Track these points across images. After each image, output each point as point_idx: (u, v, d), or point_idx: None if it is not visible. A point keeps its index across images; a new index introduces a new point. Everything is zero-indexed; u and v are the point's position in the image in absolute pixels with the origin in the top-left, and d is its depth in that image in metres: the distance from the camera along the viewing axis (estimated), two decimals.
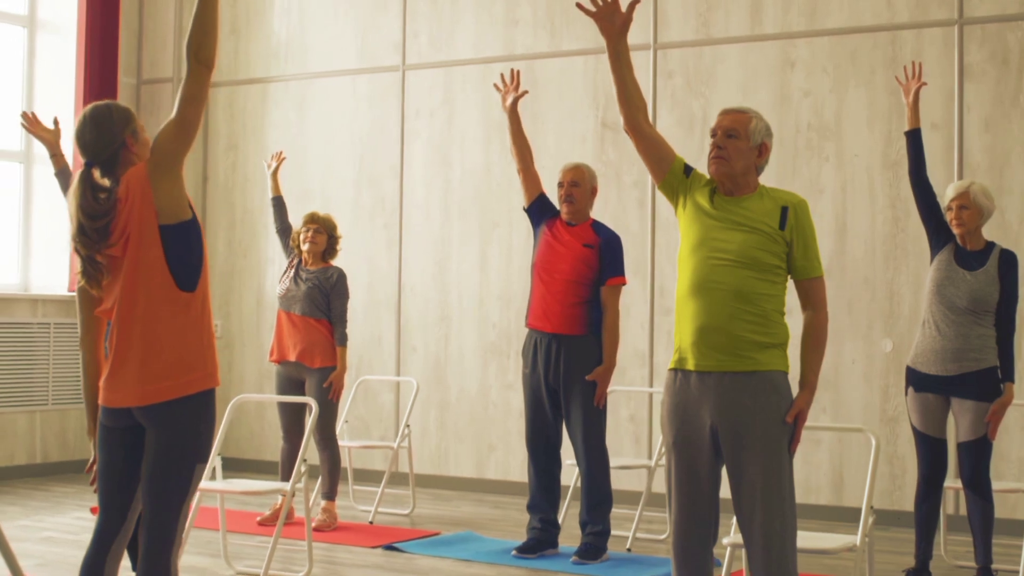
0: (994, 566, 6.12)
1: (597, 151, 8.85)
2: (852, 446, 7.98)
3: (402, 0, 9.68)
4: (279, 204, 7.91)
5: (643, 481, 7.51)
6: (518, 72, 6.89)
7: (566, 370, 6.61)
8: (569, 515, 7.20)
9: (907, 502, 7.48)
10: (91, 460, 4.15)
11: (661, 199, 8.44)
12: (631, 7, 4.37)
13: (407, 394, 9.02)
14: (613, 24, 4.38)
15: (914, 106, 6.20)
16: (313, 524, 7.38)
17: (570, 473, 7.02)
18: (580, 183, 6.73)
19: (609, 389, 6.95)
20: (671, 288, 8.04)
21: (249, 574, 6.14)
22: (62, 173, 5.76)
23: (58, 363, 9.54)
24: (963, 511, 6.67)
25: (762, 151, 4.33)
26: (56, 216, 9.47)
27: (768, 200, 4.28)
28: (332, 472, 7.53)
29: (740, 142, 4.28)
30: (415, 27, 9.66)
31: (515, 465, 8.93)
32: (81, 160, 3.93)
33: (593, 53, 8.78)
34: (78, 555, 5.57)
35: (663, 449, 4.73)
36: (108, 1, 9.80)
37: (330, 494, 7.53)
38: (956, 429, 5.99)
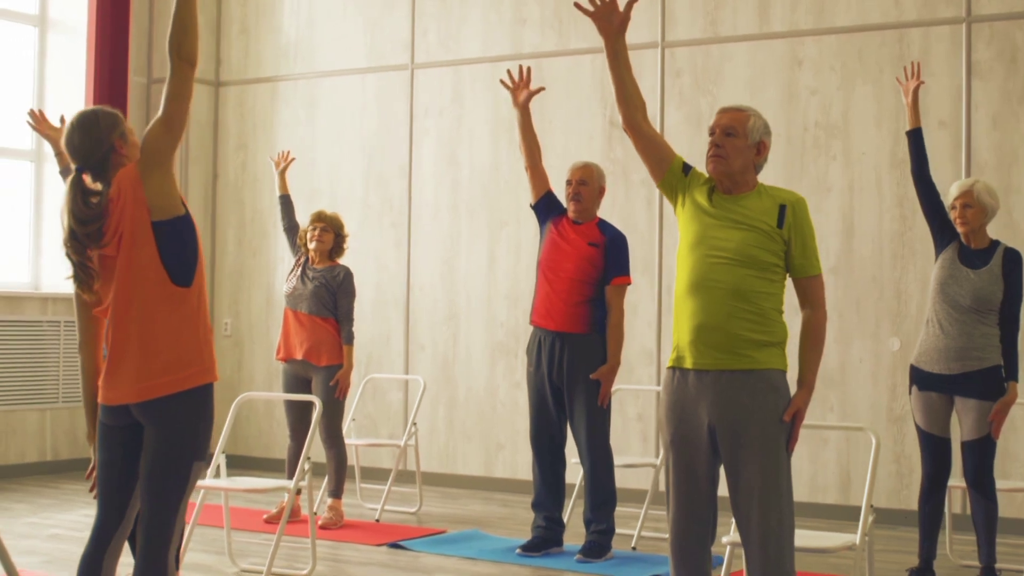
0: (999, 565, 6.11)
1: (604, 150, 8.84)
2: (859, 445, 7.96)
3: None
4: (286, 202, 7.93)
5: (649, 479, 7.51)
6: (529, 69, 6.87)
7: (570, 368, 6.61)
8: (574, 513, 7.20)
9: (914, 501, 7.46)
10: (91, 466, 4.15)
11: None
12: (629, 6, 4.37)
13: (415, 392, 9.02)
14: (611, 23, 4.38)
15: (914, 105, 6.18)
16: (319, 522, 7.42)
17: (575, 471, 7.02)
18: (588, 182, 6.73)
19: (616, 387, 6.97)
20: None
21: (253, 571, 6.16)
22: (66, 171, 5.78)
23: (68, 361, 9.57)
24: (969, 510, 6.64)
25: (760, 149, 4.33)
26: None
27: (766, 198, 4.28)
28: (338, 470, 7.54)
29: (738, 140, 4.28)
30: (423, 26, 9.67)
31: (523, 464, 8.93)
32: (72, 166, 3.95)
33: (601, 52, 8.71)
34: None
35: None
36: (118, 0, 9.82)
37: (336, 492, 7.54)
38: (960, 428, 5.98)
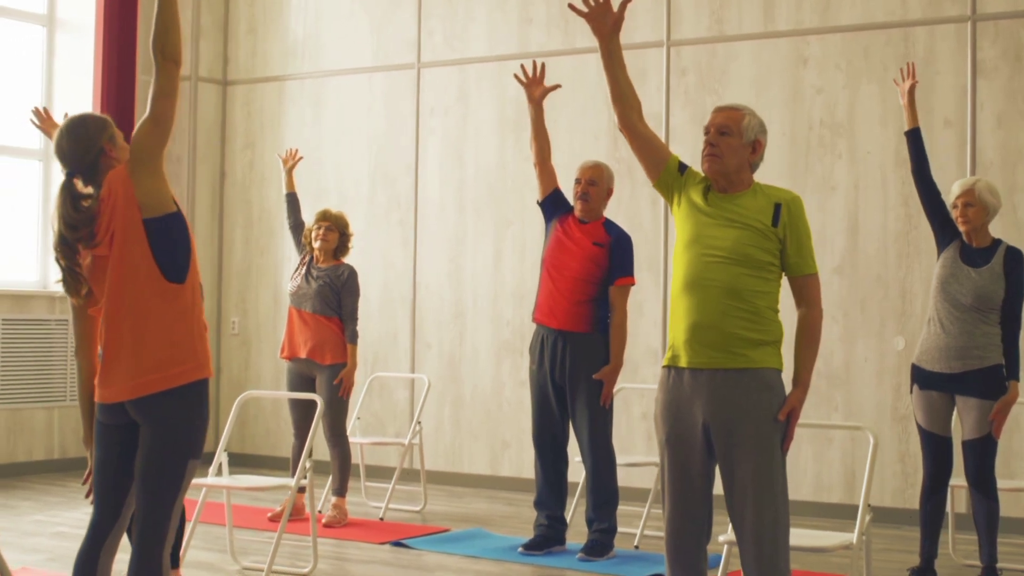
0: (1001, 565, 6.10)
1: (610, 149, 8.84)
2: (864, 444, 7.94)
3: None
4: (292, 200, 7.94)
5: (653, 478, 7.50)
6: (543, 65, 6.85)
7: (572, 367, 6.61)
8: (577, 512, 7.20)
9: (918, 500, 7.44)
10: (87, 471, 4.17)
11: None
12: (622, 7, 4.37)
13: (421, 391, 9.03)
14: (605, 24, 4.39)
15: (910, 105, 6.18)
16: (324, 520, 7.44)
17: (578, 470, 7.02)
18: (598, 182, 6.72)
19: (621, 386, 6.96)
20: None
21: (255, 569, 6.17)
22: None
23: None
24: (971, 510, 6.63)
25: (756, 148, 4.33)
26: None
27: (761, 197, 4.28)
28: (343, 468, 7.56)
29: (733, 139, 4.28)
30: (430, 25, 9.68)
31: (529, 462, 8.92)
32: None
33: None
34: None
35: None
36: (126, 0, 9.84)
37: (341, 490, 7.56)
38: (961, 427, 5.97)
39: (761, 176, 8.14)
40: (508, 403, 9.18)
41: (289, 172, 7.99)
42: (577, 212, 6.74)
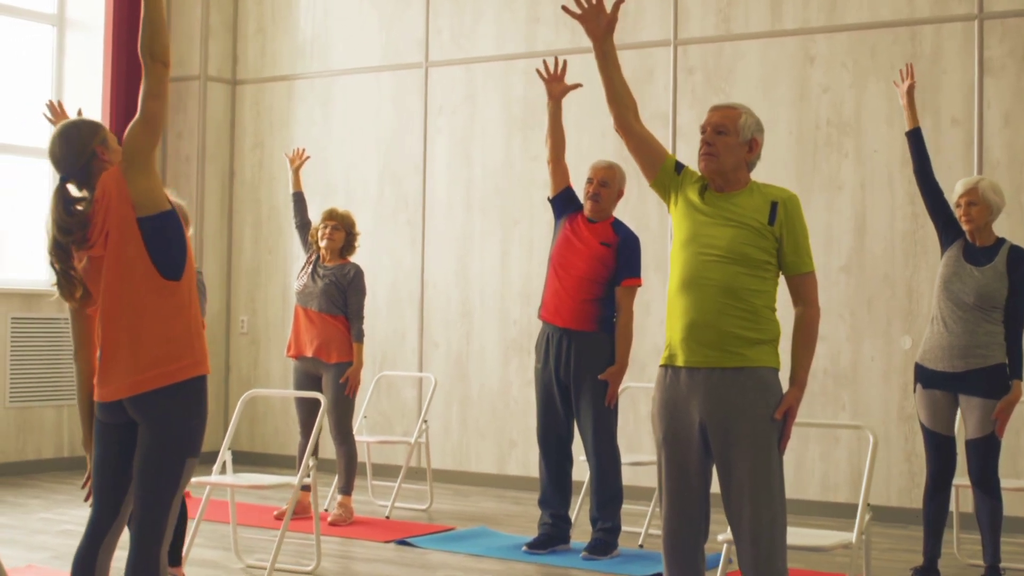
0: (1005, 565, 6.09)
1: (618, 147, 8.80)
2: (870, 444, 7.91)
3: None
4: (299, 199, 7.96)
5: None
6: (565, 62, 6.82)
7: (576, 366, 6.61)
8: (582, 511, 7.21)
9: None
10: (86, 474, 4.18)
11: None
12: (615, 7, 4.38)
13: (429, 390, 9.04)
14: (599, 25, 4.38)
15: (910, 106, 6.17)
16: (329, 519, 7.46)
17: (583, 469, 7.02)
18: (609, 184, 6.71)
19: (627, 385, 6.96)
20: None
21: (259, 567, 6.19)
22: None
23: None
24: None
25: (752, 147, 4.33)
26: None
27: (758, 196, 4.28)
28: (348, 467, 7.57)
29: (729, 138, 4.28)
30: (438, 24, 9.69)
31: (536, 461, 8.91)
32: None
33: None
34: None
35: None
36: None
37: (346, 489, 7.57)
38: (964, 426, 5.96)
39: (768, 175, 8.12)
40: (515, 402, 9.18)
41: (296, 171, 8.01)
42: (586, 211, 6.74)
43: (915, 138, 6.11)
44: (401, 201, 9.80)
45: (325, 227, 7.62)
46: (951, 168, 7.65)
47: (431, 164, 9.68)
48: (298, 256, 10.05)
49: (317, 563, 6.19)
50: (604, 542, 6.60)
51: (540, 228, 9.06)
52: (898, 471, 7.87)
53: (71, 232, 3.89)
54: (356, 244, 7.76)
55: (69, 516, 7.66)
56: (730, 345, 4.16)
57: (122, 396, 3.92)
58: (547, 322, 6.75)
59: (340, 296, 7.52)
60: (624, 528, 6.85)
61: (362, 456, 8.44)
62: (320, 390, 7.50)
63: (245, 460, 10.01)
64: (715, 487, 4.31)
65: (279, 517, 7.51)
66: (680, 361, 4.23)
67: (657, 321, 8.63)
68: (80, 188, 3.96)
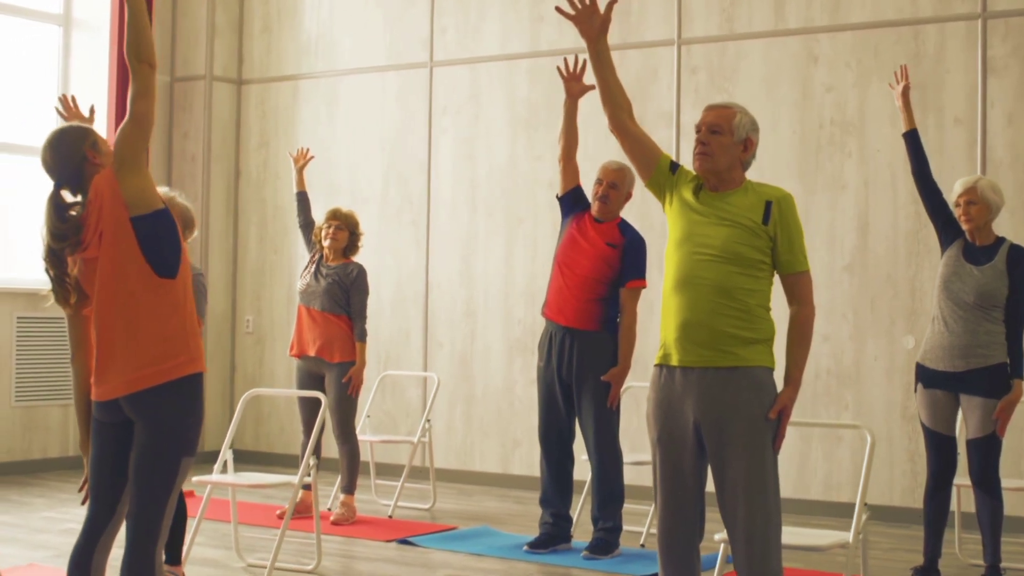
0: (1006, 565, 6.08)
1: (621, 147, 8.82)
2: (875, 443, 7.90)
3: None
4: (303, 199, 7.96)
5: None
6: (585, 61, 6.75)
7: (579, 365, 6.61)
8: (584, 510, 7.21)
9: None
10: (83, 478, 4.20)
11: None
12: (609, 8, 4.38)
13: (432, 389, 9.05)
14: (592, 26, 4.40)
15: (906, 107, 6.17)
16: (332, 518, 7.47)
17: (585, 468, 7.02)
18: (619, 186, 6.70)
19: (630, 385, 6.96)
20: None
21: (260, 566, 6.20)
22: None
23: None
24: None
25: (747, 146, 4.33)
26: None
27: (752, 195, 4.28)
28: (351, 466, 7.58)
29: (724, 138, 4.28)
30: (442, 23, 9.70)
31: (539, 461, 8.93)
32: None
33: (617, 49, 8.67)
34: None
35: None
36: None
37: (349, 488, 7.58)
38: (965, 426, 5.95)
39: (771, 174, 8.15)
40: (519, 401, 9.19)
41: (300, 171, 8.01)
42: (594, 211, 6.73)
43: (912, 139, 6.11)
44: (406, 201, 9.81)
45: (328, 227, 7.63)
46: (954, 168, 7.64)
47: (435, 164, 9.69)
48: (303, 256, 10.06)
49: (318, 562, 6.20)
50: (605, 541, 6.61)
51: (544, 228, 9.06)
52: (901, 471, 7.87)
53: (65, 238, 3.93)
54: (360, 244, 7.77)
55: (72, 515, 7.68)
56: (724, 344, 4.16)
57: (118, 395, 3.94)
58: (551, 320, 6.76)
59: (343, 295, 7.54)
60: (626, 527, 6.85)
61: (365, 455, 8.45)
62: (323, 389, 7.51)
63: (250, 459, 10.04)
64: (711, 486, 4.31)
65: (282, 516, 7.52)
66: (674, 361, 4.23)
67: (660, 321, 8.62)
68: (74, 193, 4.00)
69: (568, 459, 6.81)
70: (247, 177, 10.60)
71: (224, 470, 6.17)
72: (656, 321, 8.50)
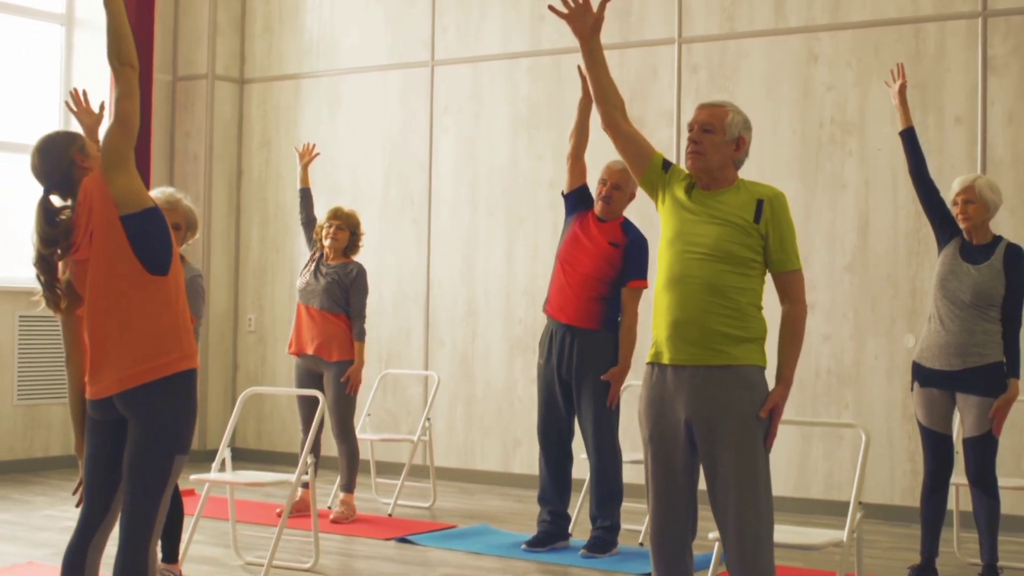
0: (1004, 564, 6.08)
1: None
2: (874, 443, 7.91)
3: None
4: (306, 196, 7.94)
5: None
6: None
7: (579, 363, 6.61)
8: (583, 508, 7.21)
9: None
10: (78, 480, 4.21)
11: None
12: (602, 6, 4.39)
13: (433, 388, 9.06)
14: (585, 24, 4.41)
15: (902, 105, 6.16)
16: (331, 516, 7.48)
17: (584, 467, 7.02)
18: (623, 187, 6.69)
19: (630, 383, 6.95)
20: None
21: (258, 564, 6.21)
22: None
23: None
24: None
25: (739, 145, 4.33)
26: None
27: (744, 193, 4.28)
28: (350, 465, 7.59)
29: (716, 136, 4.28)
30: (443, 22, 9.70)
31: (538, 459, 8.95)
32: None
33: (618, 47, 8.76)
34: None
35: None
36: None
37: (348, 486, 7.59)
38: (961, 425, 5.95)
39: (771, 173, 8.16)
40: (520, 400, 9.19)
41: (305, 168, 8.00)
42: (597, 210, 6.73)
43: (909, 138, 6.11)
44: (407, 200, 9.81)
45: (330, 226, 7.63)
46: (954, 167, 7.63)
47: (437, 163, 9.70)
48: (304, 254, 10.06)
49: (315, 560, 6.21)
50: (603, 540, 6.61)
51: (545, 227, 9.07)
52: (901, 470, 7.86)
53: (55, 244, 3.97)
54: (360, 244, 7.76)
55: (72, 513, 7.63)
56: (715, 343, 4.16)
57: (112, 392, 3.95)
58: (551, 318, 6.76)
59: (342, 295, 7.54)
60: (624, 526, 6.85)
61: (365, 454, 8.46)
62: (321, 387, 7.52)
63: (252, 457, 10.05)
64: (704, 485, 4.31)
65: (281, 515, 7.52)
66: (666, 359, 4.24)
67: None
68: (64, 197, 4.04)
69: (567, 457, 6.81)
70: (249, 176, 10.61)
71: (222, 468, 6.18)
72: None
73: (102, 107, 5.05)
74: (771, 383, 4.27)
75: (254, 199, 10.57)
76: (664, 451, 4.25)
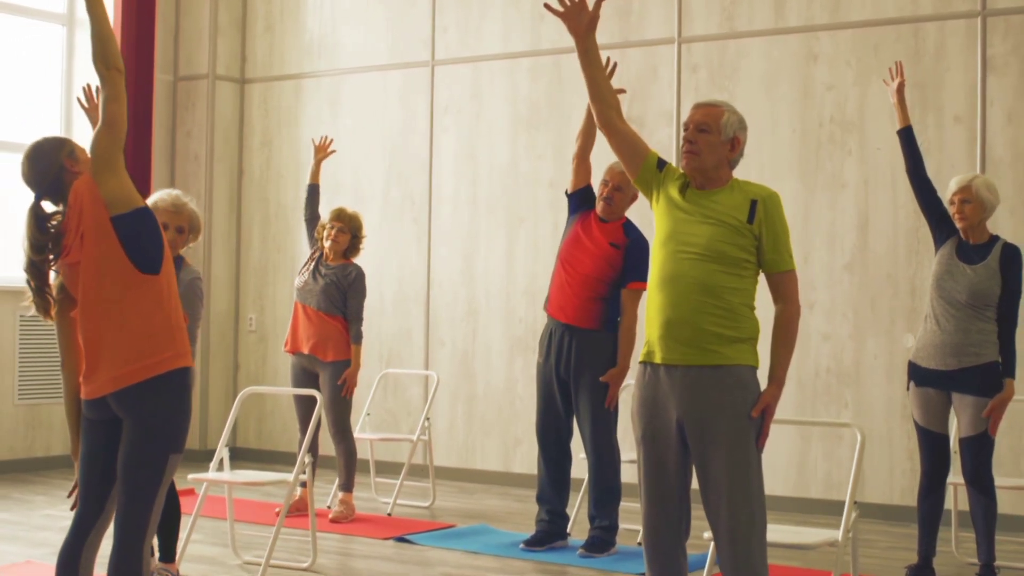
0: (1002, 563, 6.07)
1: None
2: (873, 442, 7.92)
3: None
4: (314, 192, 7.91)
5: None
6: (615, 64, 6.68)
7: (577, 363, 6.62)
8: (581, 508, 7.21)
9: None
10: (73, 484, 4.22)
11: None
12: (597, 5, 4.39)
13: (433, 387, 9.06)
14: (580, 23, 4.40)
15: (900, 104, 6.15)
16: (331, 516, 7.48)
17: (583, 466, 7.02)
18: (624, 189, 6.68)
19: (631, 383, 6.94)
20: None
21: (256, 564, 6.21)
22: None
23: None
24: None
25: (734, 145, 4.33)
26: None
27: (738, 193, 4.28)
28: (348, 464, 7.59)
29: (711, 136, 4.28)
30: (444, 22, 9.71)
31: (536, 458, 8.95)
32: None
33: (618, 47, 8.76)
34: None
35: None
36: None
37: (347, 486, 7.59)
38: (957, 425, 5.94)
39: (771, 173, 8.17)
40: (520, 400, 9.19)
41: (319, 163, 7.98)
42: (598, 211, 6.73)
43: (907, 136, 6.11)
44: (407, 199, 9.82)
45: (332, 228, 7.62)
46: (953, 166, 7.63)
47: (437, 162, 9.70)
48: (305, 253, 10.07)
49: (313, 560, 6.21)
50: (601, 539, 6.61)
51: (546, 226, 9.07)
52: (900, 470, 7.86)
53: (45, 250, 4.00)
54: (361, 247, 7.74)
55: (71, 513, 7.68)
56: (707, 343, 4.16)
57: (106, 392, 3.97)
58: (551, 317, 6.76)
59: (340, 297, 7.54)
60: (623, 526, 6.85)
61: (365, 453, 8.47)
62: (317, 386, 7.52)
63: (253, 457, 10.07)
64: (697, 484, 4.31)
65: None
66: (658, 358, 4.24)
67: None
68: (55, 203, 4.06)
69: (565, 456, 6.81)
70: (250, 176, 10.62)
71: (220, 468, 6.18)
72: None
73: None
74: (764, 383, 4.27)
75: (255, 199, 10.58)
76: (657, 451, 4.25)
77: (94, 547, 4.10)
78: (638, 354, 6.85)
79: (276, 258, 10.44)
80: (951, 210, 5.96)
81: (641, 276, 6.63)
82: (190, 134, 10.54)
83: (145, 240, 3.98)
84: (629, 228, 6.72)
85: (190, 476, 6.15)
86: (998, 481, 6.06)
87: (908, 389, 6.07)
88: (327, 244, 7.62)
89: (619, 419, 6.78)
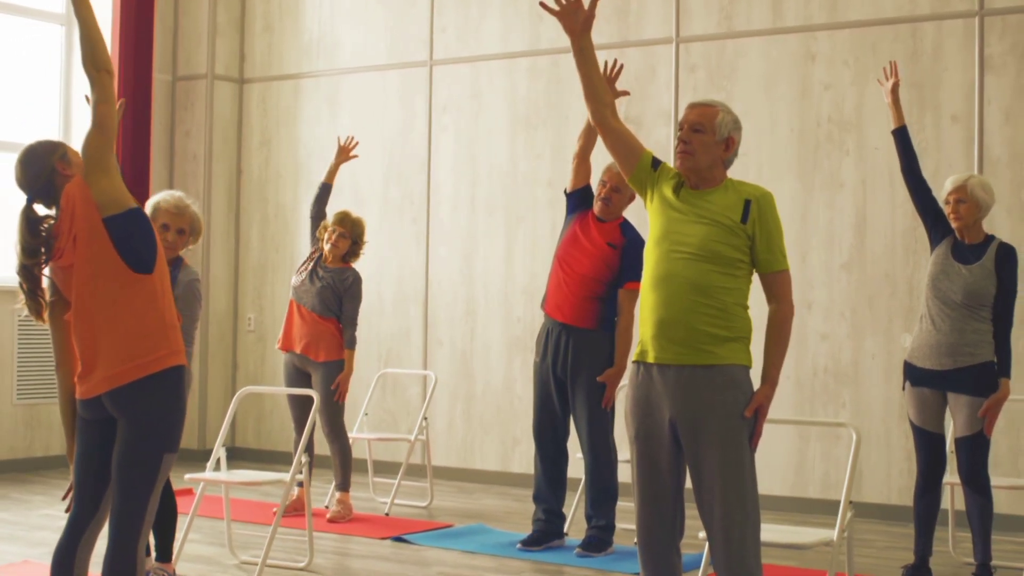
0: (998, 563, 6.07)
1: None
2: (871, 442, 7.92)
3: None
4: (325, 191, 7.85)
5: None
6: (622, 66, 6.64)
7: (574, 362, 6.62)
8: (578, 507, 7.21)
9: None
10: (68, 486, 4.22)
11: None
12: (593, 4, 4.38)
13: (431, 387, 9.06)
14: (576, 22, 4.39)
15: (895, 104, 6.15)
16: (328, 515, 7.49)
17: (580, 466, 7.02)
18: (622, 189, 6.67)
19: (627, 383, 6.95)
20: None
21: (253, 563, 6.21)
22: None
23: None
24: None
25: (729, 145, 4.33)
26: None
27: (732, 193, 4.28)
28: (344, 464, 7.59)
29: (706, 136, 4.28)
30: (442, 22, 9.71)
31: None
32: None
33: (616, 47, 8.76)
34: None
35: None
36: None
37: (343, 485, 7.60)
38: (953, 425, 5.94)
39: (769, 172, 8.16)
40: (519, 400, 9.20)
41: (339, 163, 7.95)
42: (596, 211, 6.73)
43: (901, 136, 6.11)
44: (406, 199, 9.82)
45: (333, 231, 7.59)
46: (951, 165, 7.63)
47: (436, 162, 9.70)
48: (305, 253, 10.08)
49: (310, 559, 6.22)
50: (598, 539, 6.61)
51: (544, 226, 9.07)
52: (898, 469, 7.85)
53: (36, 253, 4.00)
54: (361, 252, 7.73)
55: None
56: (700, 342, 4.16)
57: (100, 391, 3.97)
58: (549, 316, 6.77)
59: (335, 300, 7.53)
60: (619, 525, 6.85)
61: (363, 453, 8.47)
62: (310, 384, 7.52)
63: (252, 457, 10.07)
64: (691, 484, 4.31)
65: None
66: (651, 358, 4.24)
67: None
68: (48, 206, 4.06)
69: (562, 456, 6.81)
70: (249, 176, 10.62)
71: (217, 467, 6.19)
72: None
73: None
74: (756, 383, 4.27)
75: (254, 199, 10.58)
76: (650, 450, 4.25)
77: (89, 547, 4.09)
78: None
79: (275, 258, 10.44)
80: (946, 210, 5.96)
81: (638, 276, 6.61)
82: (189, 134, 10.54)
83: (137, 240, 3.99)
84: (626, 228, 6.72)
85: (187, 476, 6.16)
86: (995, 481, 6.06)
87: (903, 389, 6.07)
88: (327, 247, 7.61)
89: (616, 419, 6.78)
